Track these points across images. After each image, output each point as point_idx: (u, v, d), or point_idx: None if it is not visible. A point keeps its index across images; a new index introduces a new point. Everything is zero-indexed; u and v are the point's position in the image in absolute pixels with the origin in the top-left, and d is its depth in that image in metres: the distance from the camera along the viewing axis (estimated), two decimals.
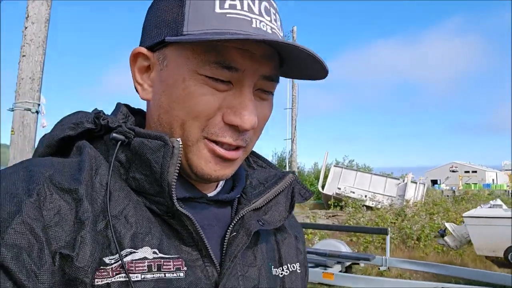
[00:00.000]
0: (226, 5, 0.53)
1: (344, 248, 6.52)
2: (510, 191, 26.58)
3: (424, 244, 9.41)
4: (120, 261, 0.49)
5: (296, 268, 0.70)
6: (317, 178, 19.99)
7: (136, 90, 0.62)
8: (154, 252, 0.52)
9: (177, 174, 0.53)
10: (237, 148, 0.58)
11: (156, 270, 0.51)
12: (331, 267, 5.56)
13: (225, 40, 0.51)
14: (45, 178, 0.50)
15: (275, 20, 0.58)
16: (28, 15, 3.12)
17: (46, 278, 0.45)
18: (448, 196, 21.10)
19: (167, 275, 0.52)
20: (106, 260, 0.49)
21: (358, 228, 8.78)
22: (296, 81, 15.71)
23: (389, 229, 6.18)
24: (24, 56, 3.10)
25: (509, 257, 4.18)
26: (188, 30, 0.53)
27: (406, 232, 9.92)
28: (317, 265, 5.51)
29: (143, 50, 0.59)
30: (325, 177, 18.11)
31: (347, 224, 11.27)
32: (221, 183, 0.67)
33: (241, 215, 0.62)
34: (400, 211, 12.40)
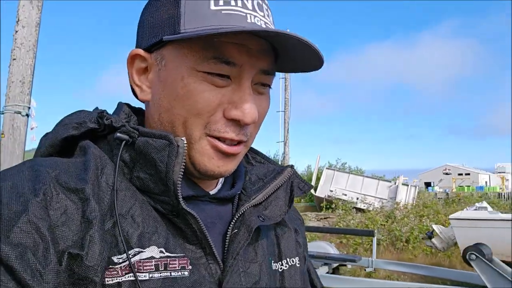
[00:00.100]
0: (221, 2, 0.55)
1: (332, 250, 6.53)
2: (502, 193, 26.79)
3: (413, 246, 9.48)
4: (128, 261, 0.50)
5: (295, 263, 0.70)
6: (310, 181, 20.06)
7: (134, 92, 0.63)
8: (161, 251, 0.52)
9: (182, 173, 0.54)
10: (238, 143, 0.59)
11: (163, 269, 0.51)
12: (317, 269, 5.63)
13: (223, 34, 0.52)
14: (51, 178, 0.50)
15: (268, 16, 0.59)
16: (18, 19, 3.14)
17: (51, 277, 0.44)
18: (440, 198, 21.21)
19: (172, 273, 0.52)
20: (115, 259, 0.49)
21: (346, 230, 8.81)
22: (289, 83, 15.84)
23: (376, 231, 6.22)
24: (14, 59, 3.11)
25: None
26: (185, 28, 0.54)
27: (395, 234, 9.97)
28: None
29: (140, 51, 0.60)
30: (318, 179, 18.19)
31: (337, 227, 11.32)
32: (221, 180, 0.67)
33: (242, 211, 0.62)
34: (390, 213, 12.46)
